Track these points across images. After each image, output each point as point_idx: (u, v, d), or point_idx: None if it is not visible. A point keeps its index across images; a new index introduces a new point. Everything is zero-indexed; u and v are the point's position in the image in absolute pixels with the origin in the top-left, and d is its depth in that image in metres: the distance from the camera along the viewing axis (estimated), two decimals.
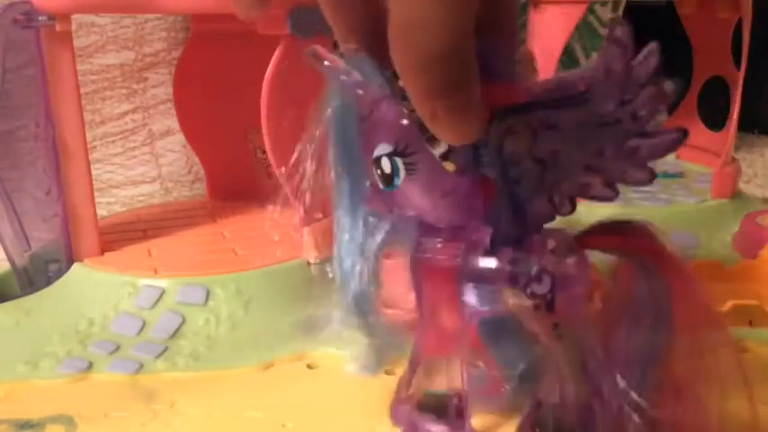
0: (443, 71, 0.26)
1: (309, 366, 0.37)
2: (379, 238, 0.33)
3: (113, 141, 0.74)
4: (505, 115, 0.29)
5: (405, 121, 0.30)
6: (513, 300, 0.31)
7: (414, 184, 0.30)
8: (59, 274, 0.50)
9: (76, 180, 0.49)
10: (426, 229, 0.32)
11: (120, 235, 0.55)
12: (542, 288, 0.30)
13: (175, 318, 0.46)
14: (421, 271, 0.33)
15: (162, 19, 0.72)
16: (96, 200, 0.51)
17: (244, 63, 0.54)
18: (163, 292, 0.47)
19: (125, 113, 0.74)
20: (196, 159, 0.67)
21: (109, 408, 0.39)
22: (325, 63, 0.31)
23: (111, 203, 0.74)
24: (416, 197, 0.31)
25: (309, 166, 0.34)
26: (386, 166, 0.30)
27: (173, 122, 0.73)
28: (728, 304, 0.47)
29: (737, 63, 0.65)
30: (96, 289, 0.48)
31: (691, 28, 0.73)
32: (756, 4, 0.63)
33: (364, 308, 0.34)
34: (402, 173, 0.30)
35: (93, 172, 0.51)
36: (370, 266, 0.33)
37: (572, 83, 0.30)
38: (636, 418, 0.31)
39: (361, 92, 0.31)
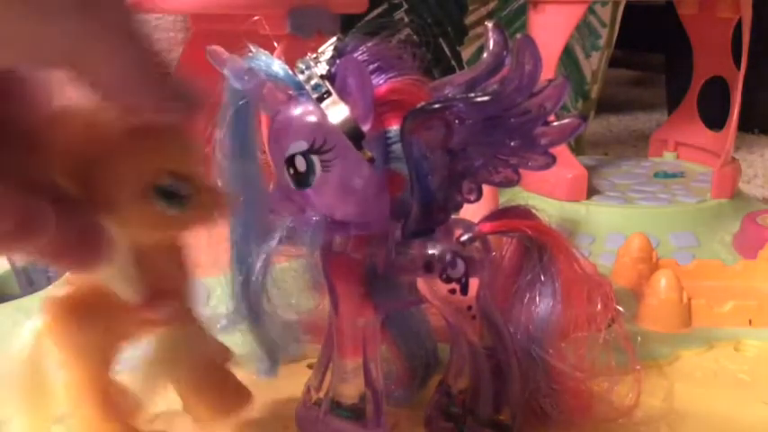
0: None
1: (310, 366, 0.37)
2: (274, 240, 0.32)
3: None
4: (421, 111, 0.30)
5: (319, 118, 0.29)
6: (426, 288, 0.32)
7: (329, 181, 0.30)
8: (59, 274, 0.50)
9: None
10: (335, 227, 0.32)
11: None
12: (457, 272, 0.32)
13: None
14: (332, 269, 0.33)
15: (162, 19, 0.72)
16: None
17: None
18: None
19: None
20: None
21: None
22: (226, 65, 0.30)
23: None
24: (330, 195, 0.30)
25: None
26: (300, 164, 0.30)
27: None
28: (728, 304, 0.47)
29: (737, 63, 0.65)
30: None
31: (691, 28, 0.73)
32: (756, 5, 0.63)
33: (257, 310, 0.33)
34: (318, 170, 0.30)
35: None
36: (264, 268, 0.33)
37: (485, 79, 0.31)
38: (541, 368, 0.33)
39: (266, 92, 0.30)
